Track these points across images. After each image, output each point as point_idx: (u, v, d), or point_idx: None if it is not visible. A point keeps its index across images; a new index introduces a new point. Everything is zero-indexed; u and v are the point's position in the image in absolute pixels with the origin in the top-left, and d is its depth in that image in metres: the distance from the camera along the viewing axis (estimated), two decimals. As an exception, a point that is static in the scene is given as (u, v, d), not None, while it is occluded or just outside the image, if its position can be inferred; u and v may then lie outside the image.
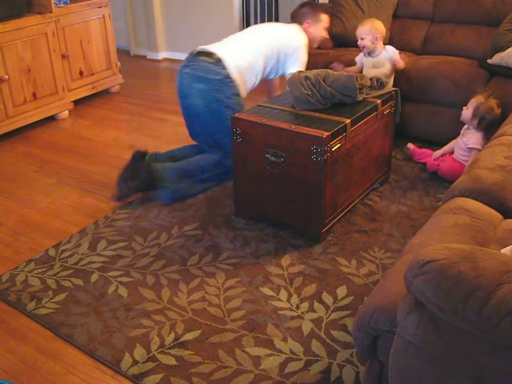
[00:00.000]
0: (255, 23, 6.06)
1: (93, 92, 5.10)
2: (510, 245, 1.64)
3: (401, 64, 3.67)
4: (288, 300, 2.48)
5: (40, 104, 4.52)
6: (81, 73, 4.91)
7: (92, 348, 2.23)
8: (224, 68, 3.25)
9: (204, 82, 3.25)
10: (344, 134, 2.77)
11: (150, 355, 2.19)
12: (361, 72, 3.78)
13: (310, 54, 4.29)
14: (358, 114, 2.87)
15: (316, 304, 2.44)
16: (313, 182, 2.73)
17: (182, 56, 6.36)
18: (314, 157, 2.66)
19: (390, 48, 3.71)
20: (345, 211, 3.05)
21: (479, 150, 3.15)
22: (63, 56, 4.67)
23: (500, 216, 2.01)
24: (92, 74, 5.04)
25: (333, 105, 2.98)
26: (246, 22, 6.08)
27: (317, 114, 2.87)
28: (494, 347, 1.23)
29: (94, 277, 2.67)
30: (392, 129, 3.34)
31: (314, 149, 2.64)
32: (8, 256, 2.86)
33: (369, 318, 1.59)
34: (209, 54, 3.30)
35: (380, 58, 3.68)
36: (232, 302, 2.47)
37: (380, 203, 3.24)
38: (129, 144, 4.12)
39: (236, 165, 3.00)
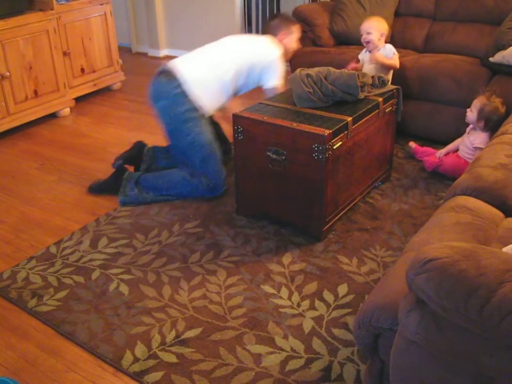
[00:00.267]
0: (257, 19, 6.05)
1: (94, 89, 5.10)
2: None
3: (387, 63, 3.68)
4: (289, 298, 2.48)
5: (41, 102, 4.52)
6: (82, 70, 4.90)
7: (93, 345, 2.23)
8: (179, 85, 3.18)
9: (161, 100, 3.25)
10: (346, 132, 2.77)
11: (151, 352, 2.19)
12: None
13: (311, 52, 4.31)
14: (359, 112, 2.87)
15: (317, 302, 2.44)
16: (315, 180, 2.73)
17: (184, 53, 6.38)
18: (315, 155, 2.66)
19: (388, 46, 3.71)
20: (346, 209, 3.05)
21: None
22: (65, 53, 4.67)
23: (501, 214, 2.01)
24: (93, 72, 5.04)
25: (334, 103, 2.97)
26: (248, 19, 6.08)
27: (318, 112, 2.87)
28: (495, 346, 1.23)
29: (95, 274, 2.67)
30: (394, 128, 3.33)
31: (315, 146, 2.64)
32: (9, 253, 2.86)
33: (371, 316, 1.59)
34: (168, 72, 3.24)
35: (378, 54, 3.68)
36: (233, 300, 2.47)
37: (381, 201, 3.24)
38: (130, 142, 4.11)
39: (237, 162, 3.00)
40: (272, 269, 2.68)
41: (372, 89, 3.12)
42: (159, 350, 2.20)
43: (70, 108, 4.81)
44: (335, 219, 2.95)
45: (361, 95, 3.01)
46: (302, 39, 4.45)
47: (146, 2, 6.31)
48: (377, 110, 3.03)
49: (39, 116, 4.54)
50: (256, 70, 3.34)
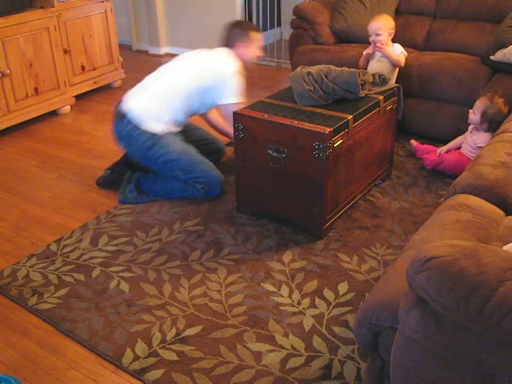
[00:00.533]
0: (257, 18, 6.06)
1: (95, 86, 5.10)
2: (512, 241, 1.64)
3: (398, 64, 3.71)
4: (290, 296, 2.48)
5: (41, 99, 4.52)
6: (83, 68, 4.90)
7: (93, 343, 2.23)
8: (129, 121, 3.18)
9: (121, 140, 3.28)
10: (346, 130, 2.77)
11: (151, 350, 2.19)
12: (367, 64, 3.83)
13: (312, 51, 4.31)
14: (360, 111, 2.87)
15: (317, 300, 2.44)
16: (315, 178, 2.73)
17: (184, 51, 6.37)
18: (316, 153, 2.66)
19: (397, 46, 3.73)
20: (347, 207, 3.05)
21: None
22: (65, 51, 4.66)
23: (502, 213, 2.01)
24: (94, 69, 5.03)
25: (335, 101, 2.97)
26: (248, 17, 6.08)
27: (319, 110, 2.87)
28: (496, 344, 1.23)
29: (96, 272, 2.67)
30: (394, 126, 3.33)
31: (316, 144, 2.64)
32: (9, 251, 2.86)
33: (371, 314, 1.59)
34: (118, 112, 3.26)
35: (387, 47, 3.70)
36: (233, 298, 2.47)
37: (381, 199, 3.24)
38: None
39: (237, 160, 3.00)
40: (272, 267, 2.68)
41: (372, 87, 3.12)
42: (159, 348, 2.20)
43: (71, 106, 4.81)
44: (335, 217, 2.95)
45: (362, 93, 3.01)
46: (302, 37, 4.48)
47: (146, 0, 6.31)
48: (378, 108, 3.03)
49: (40, 114, 4.54)
50: (211, 90, 3.24)
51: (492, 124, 3.28)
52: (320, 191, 2.75)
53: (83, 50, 4.87)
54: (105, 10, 5.02)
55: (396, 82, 3.62)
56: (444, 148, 3.55)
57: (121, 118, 3.22)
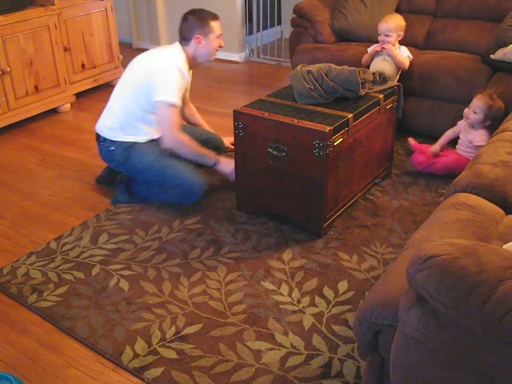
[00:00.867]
0: (258, 16, 6.05)
1: (95, 84, 5.10)
2: (512, 240, 1.64)
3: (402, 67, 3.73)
4: (290, 294, 2.48)
5: (42, 97, 4.52)
6: (83, 66, 4.90)
7: (93, 341, 2.24)
8: (105, 139, 3.18)
9: (105, 160, 3.30)
10: (347, 128, 2.76)
11: (151, 348, 2.19)
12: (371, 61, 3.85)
13: (312, 49, 4.30)
14: (360, 109, 2.87)
15: (317, 299, 2.44)
16: (315, 176, 2.73)
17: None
18: (316, 152, 2.66)
19: (403, 49, 3.75)
20: (346, 206, 3.05)
21: None
22: (65, 49, 4.66)
23: (501, 211, 2.01)
24: (94, 67, 5.03)
25: (335, 99, 2.97)
26: (248, 15, 6.08)
27: (319, 109, 2.87)
28: (496, 343, 1.23)
29: (95, 270, 2.67)
30: (394, 124, 3.33)
31: (316, 143, 2.64)
32: (9, 248, 2.86)
33: (371, 313, 1.58)
34: (96, 134, 3.26)
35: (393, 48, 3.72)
36: (233, 296, 2.47)
37: (381, 198, 3.24)
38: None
39: (237, 158, 3.00)
40: (272, 265, 2.68)
41: (372, 86, 3.12)
42: (159, 346, 2.20)
43: (71, 104, 4.81)
44: (335, 216, 2.95)
45: (362, 92, 3.01)
46: (302, 36, 4.48)
47: (147, -2, 6.31)
48: (378, 107, 3.03)
49: (40, 111, 4.54)
50: (145, 87, 3.07)
51: (494, 122, 3.26)
52: (320, 189, 2.75)
53: (83, 48, 4.87)
54: (106, 8, 5.02)
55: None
56: (436, 147, 3.53)
57: (98, 138, 3.25)
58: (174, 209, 3.15)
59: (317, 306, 2.40)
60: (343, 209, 3.02)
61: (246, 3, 5.98)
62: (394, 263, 1.78)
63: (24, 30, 4.25)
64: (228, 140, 3.68)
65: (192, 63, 3.26)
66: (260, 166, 2.91)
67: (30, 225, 3.07)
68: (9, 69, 4.18)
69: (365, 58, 3.86)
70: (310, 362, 2.11)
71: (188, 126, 3.56)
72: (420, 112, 3.87)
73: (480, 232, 1.81)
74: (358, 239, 2.87)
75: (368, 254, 2.75)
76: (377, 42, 3.86)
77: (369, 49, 3.86)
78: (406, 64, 3.71)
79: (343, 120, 2.73)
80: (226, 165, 3.21)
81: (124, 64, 5.41)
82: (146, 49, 6.46)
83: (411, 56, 3.75)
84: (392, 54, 3.68)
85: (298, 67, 3.06)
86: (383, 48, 3.71)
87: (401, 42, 3.81)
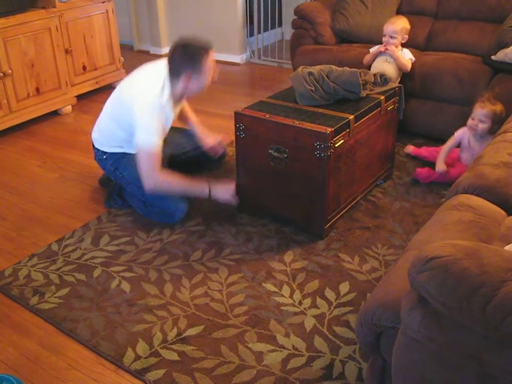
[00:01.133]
0: (258, 18, 6.05)
1: (96, 87, 5.10)
2: (514, 242, 1.64)
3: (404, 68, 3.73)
4: (291, 296, 2.48)
5: (43, 99, 4.52)
6: (84, 68, 4.90)
7: (94, 343, 2.23)
8: (97, 149, 3.17)
9: (101, 167, 3.28)
10: (348, 130, 2.76)
11: (152, 350, 2.19)
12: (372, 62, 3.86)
13: (313, 51, 4.30)
14: (361, 110, 2.87)
15: (318, 300, 2.44)
16: (317, 178, 2.73)
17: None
18: (317, 153, 2.66)
19: (406, 51, 3.77)
20: (348, 207, 3.05)
21: None
22: (67, 51, 4.66)
23: (503, 213, 2.00)
24: (95, 69, 5.04)
25: (336, 101, 2.97)
26: (249, 17, 6.08)
27: (320, 110, 2.87)
28: (497, 344, 1.23)
29: (97, 272, 2.67)
30: (395, 126, 3.33)
31: (317, 144, 2.64)
32: (11, 250, 2.86)
33: (372, 315, 1.58)
34: (92, 143, 3.26)
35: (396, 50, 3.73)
36: (234, 298, 2.47)
37: (383, 199, 3.24)
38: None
39: (239, 160, 3.00)
40: (273, 267, 2.68)
41: (373, 87, 3.12)
42: (160, 348, 2.20)
43: (72, 106, 4.82)
44: (336, 217, 2.95)
45: (363, 93, 3.01)
46: (303, 37, 4.48)
47: (148, 0, 6.31)
48: (379, 108, 3.03)
49: (41, 114, 4.54)
50: (125, 116, 2.93)
51: (500, 124, 3.18)
52: (321, 191, 2.75)
53: (84, 51, 4.88)
54: (107, 10, 5.02)
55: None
56: (443, 167, 3.33)
57: (93, 147, 3.24)
58: (176, 211, 3.15)
59: (319, 308, 2.40)
60: (344, 210, 3.02)
61: (246, 5, 5.99)
62: (395, 264, 1.78)
63: (26, 32, 4.26)
64: (210, 139, 3.41)
65: (180, 98, 3.05)
66: (261, 168, 2.91)
67: (32, 227, 3.07)
68: (10, 71, 4.18)
69: (366, 58, 3.86)
70: (311, 364, 2.11)
71: (175, 136, 3.34)
72: (421, 114, 3.87)
73: (482, 233, 1.80)
74: (359, 240, 2.87)
75: (370, 255, 2.74)
76: (378, 43, 3.87)
77: (372, 50, 3.86)
78: (408, 66, 3.72)
79: (344, 122, 2.73)
80: (224, 191, 3.01)
81: (125, 66, 5.43)
82: (147, 51, 6.55)
83: (413, 58, 3.76)
84: (395, 55, 3.68)
85: (299, 68, 3.07)
86: (386, 49, 3.72)
87: (402, 44, 3.81)
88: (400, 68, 3.72)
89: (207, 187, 2.99)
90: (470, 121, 3.27)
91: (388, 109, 3.14)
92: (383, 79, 3.17)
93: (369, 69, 3.77)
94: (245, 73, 5.92)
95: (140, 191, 2.99)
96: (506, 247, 1.60)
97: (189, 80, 2.88)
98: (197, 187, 3.01)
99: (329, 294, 2.48)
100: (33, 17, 4.30)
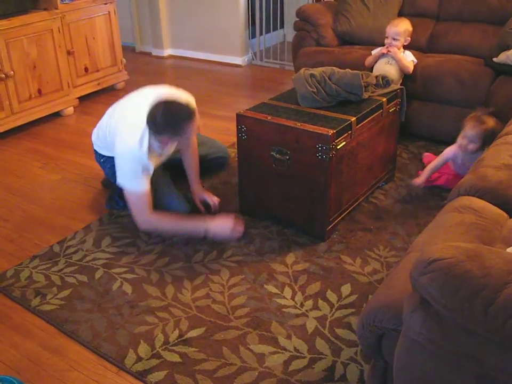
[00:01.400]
0: (260, 20, 6.05)
1: (98, 88, 5.11)
2: (516, 244, 1.64)
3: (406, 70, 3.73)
4: (293, 298, 2.47)
5: (45, 100, 4.52)
6: (86, 69, 4.91)
7: (96, 344, 2.23)
8: (96, 151, 3.17)
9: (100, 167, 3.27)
10: (350, 132, 2.76)
11: (154, 352, 2.19)
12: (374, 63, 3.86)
13: (315, 52, 4.30)
14: (363, 112, 2.87)
15: (320, 302, 2.44)
16: (318, 179, 2.73)
17: (187, 53, 6.42)
18: (319, 155, 2.66)
19: (408, 53, 3.77)
20: (350, 209, 3.05)
21: None
22: (69, 53, 4.67)
23: (505, 215, 2.00)
24: (97, 71, 5.04)
25: (338, 103, 2.97)
26: (251, 18, 6.08)
27: (322, 112, 2.87)
28: (499, 346, 1.22)
29: (99, 274, 2.67)
30: (397, 128, 3.33)
31: (319, 146, 2.64)
32: (12, 252, 2.87)
33: (374, 316, 1.58)
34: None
35: (399, 52, 3.74)
36: (236, 300, 2.47)
37: (384, 201, 3.23)
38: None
39: (240, 162, 3.00)
40: (275, 268, 2.68)
41: (375, 89, 3.12)
42: (162, 350, 2.20)
43: (74, 107, 4.82)
44: (338, 219, 2.95)
45: (365, 95, 3.01)
46: (305, 39, 4.47)
47: (150, 1, 6.31)
48: (381, 110, 3.03)
49: (43, 115, 4.54)
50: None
51: (493, 139, 3.02)
52: (323, 193, 2.75)
53: (86, 52, 4.88)
54: (109, 12, 5.02)
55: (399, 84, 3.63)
56: (421, 181, 3.26)
57: (93, 148, 3.22)
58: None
59: (320, 310, 2.40)
60: (346, 212, 3.02)
61: (248, 6, 5.99)
62: (397, 266, 1.78)
63: (28, 34, 4.27)
64: (204, 196, 3.20)
65: (160, 153, 2.91)
66: (262, 170, 2.91)
67: (34, 228, 3.07)
68: (12, 72, 4.19)
69: (368, 60, 3.86)
70: (313, 366, 2.11)
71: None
72: (423, 115, 3.87)
73: (484, 235, 1.80)
74: (361, 242, 2.86)
75: (372, 257, 2.74)
76: (380, 45, 3.87)
77: (374, 52, 3.86)
78: (410, 68, 3.72)
79: (346, 124, 2.72)
80: (222, 228, 2.83)
81: (127, 68, 5.44)
82: (149, 53, 6.56)
83: (415, 60, 3.76)
84: (397, 57, 3.69)
85: (301, 70, 3.07)
86: (389, 51, 3.72)
87: (404, 46, 3.81)
88: (402, 70, 3.73)
89: (203, 226, 2.81)
90: (460, 140, 3.18)
91: (390, 111, 3.13)
92: (385, 81, 3.17)
93: (371, 71, 3.77)
94: (247, 75, 5.92)
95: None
96: (508, 249, 1.60)
97: (168, 141, 2.75)
98: (193, 226, 2.84)
99: (331, 296, 2.48)
100: (36, 18, 4.30)
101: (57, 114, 4.68)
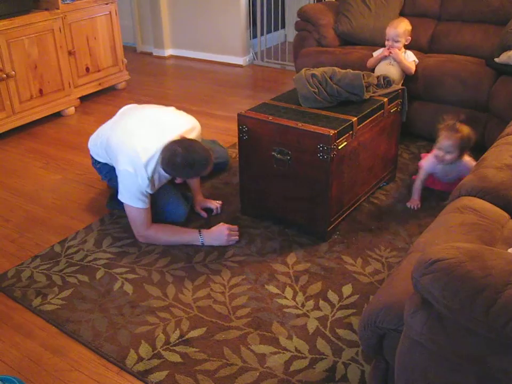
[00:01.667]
0: (261, 20, 6.05)
1: (99, 88, 5.11)
2: (517, 244, 1.64)
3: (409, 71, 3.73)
4: (294, 298, 2.47)
5: (46, 101, 4.53)
6: (87, 69, 4.91)
7: (97, 344, 2.23)
8: (92, 157, 3.18)
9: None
10: (351, 132, 2.76)
11: (155, 352, 2.19)
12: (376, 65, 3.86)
13: (316, 53, 4.30)
14: (364, 113, 2.87)
15: (321, 303, 2.44)
16: (319, 180, 2.73)
17: (188, 53, 6.42)
18: (320, 155, 2.66)
19: (409, 53, 3.77)
20: (351, 209, 3.05)
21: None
22: (70, 53, 4.67)
23: (506, 215, 2.00)
24: (98, 71, 5.04)
25: (339, 103, 2.97)
26: (253, 19, 6.08)
27: (323, 112, 2.87)
28: (501, 347, 1.22)
29: (100, 274, 2.67)
30: (399, 128, 3.33)
31: (320, 147, 2.64)
32: (13, 252, 2.87)
33: (376, 317, 1.58)
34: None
35: (400, 53, 3.73)
36: (237, 300, 2.47)
37: (385, 201, 3.23)
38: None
39: (241, 162, 3.00)
40: (276, 269, 2.67)
41: (377, 89, 3.11)
42: (163, 350, 2.20)
43: (75, 107, 4.82)
44: (339, 219, 2.95)
45: (366, 95, 3.00)
46: (306, 39, 4.47)
47: (151, 1, 6.32)
48: (382, 110, 3.03)
49: (44, 115, 4.55)
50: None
51: (469, 147, 3.03)
52: (324, 193, 2.74)
53: (87, 52, 4.88)
54: (110, 12, 5.03)
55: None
56: (417, 202, 3.18)
57: (89, 153, 3.22)
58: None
59: (321, 310, 2.39)
60: (347, 212, 3.02)
61: (250, 6, 5.99)
62: (399, 266, 1.78)
63: (29, 34, 4.27)
64: (206, 203, 3.21)
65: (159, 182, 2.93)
66: (264, 170, 2.91)
67: (35, 228, 3.07)
68: (13, 72, 4.19)
69: (370, 62, 3.85)
70: (314, 366, 2.10)
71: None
72: (424, 116, 3.86)
73: (485, 236, 1.80)
74: (362, 242, 2.86)
75: (373, 257, 2.74)
76: (381, 45, 3.87)
77: (375, 53, 3.86)
78: (412, 69, 3.72)
79: (347, 124, 2.72)
80: (217, 236, 2.87)
81: (128, 68, 5.44)
82: (150, 53, 6.56)
83: (417, 60, 3.76)
84: (399, 59, 3.68)
85: (303, 70, 3.06)
86: (390, 53, 3.72)
87: (405, 46, 3.81)
88: (404, 71, 3.72)
89: (198, 239, 2.86)
90: (436, 152, 3.06)
91: (391, 111, 3.13)
92: (386, 81, 3.17)
93: (373, 71, 3.76)
94: (248, 75, 5.93)
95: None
96: (510, 250, 1.60)
97: (180, 180, 2.86)
98: (189, 239, 2.87)
99: (332, 296, 2.48)
100: (37, 18, 4.31)
101: (58, 115, 4.69)
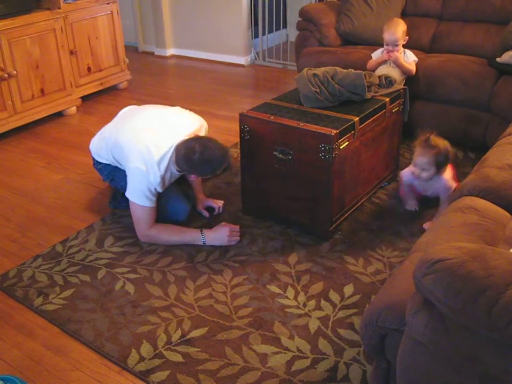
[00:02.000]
0: (263, 20, 6.05)
1: (101, 88, 5.11)
2: (520, 244, 1.64)
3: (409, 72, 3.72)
4: (295, 298, 2.47)
5: (48, 100, 4.53)
6: (89, 69, 4.91)
7: (98, 344, 2.23)
8: (93, 157, 3.16)
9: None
10: (353, 132, 2.76)
11: (156, 352, 2.19)
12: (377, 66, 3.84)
13: (318, 52, 4.30)
14: (366, 112, 2.86)
15: (323, 302, 2.44)
16: (321, 180, 2.72)
17: (190, 53, 6.42)
18: (322, 155, 2.65)
19: (409, 53, 3.75)
20: (352, 209, 3.04)
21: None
22: (71, 52, 4.67)
23: (508, 215, 2.00)
24: (100, 71, 5.04)
25: (341, 103, 2.97)
26: (254, 18, 6.08)
27: (325, 112, 2.87)
28: (503, 347, 1.22)
29: (101, 273, 2.67)
30: (400, 128, 3.33)
31: (322, 146, 2.64)
32: (15, 251, 2.87)
33: (377, 317, 1.58)
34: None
35: (399, 55, 3.72)
36: (239, 300, 2.47)
37: (387, 201, 3.23)
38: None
39: (243, 162, 3.00)
40: (278, 268, 2.67)
41: (378, 89, 3.11)
42: (164, 349, 2.20)
43: (77, 107, 4.82)
44: (341, 219, 2.94)
45: (368, 95, 3.00)
46: (308, 39, 4.47)
47: (153, 1, 6.32)
48: (384, 110, 3.02)
49: (46, 115, 4.55)
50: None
51: (447, 161, 2.86)
52: (326, 193, 2.74)
53: (89, 52, 4.89)
54: (112, 11, 5.03)
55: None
56: (413, 205, 3.12)
57: (91, 155, 3.21)
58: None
59: (323, 310, 2.39)
60: (348, 212, 3.01)
61: (251, 6, 5.99)
62: (400, 266, 1.78)
63: (30, 34, 4.27)
64: (208, 202, 3.23)
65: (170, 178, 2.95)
66: (265, 170, 2.91)
67: (36, 228, 3.07)
68: (15, 72, 4.19)
69: (370, 64, 3.84)
70: (316, 366, 2.10)
71: None
72: (425, 116, 3.86)
73: (487, 235, 1.80)
74: (363, 242, 2.86)
75: (374, 257, 2.74)
76: (383, 45, 3.86)
77: (374, 55, 3.84)
78: (413, 70, 3.71)
79: (349, 124, 2.72)
80: (218, 236, 2.87)
81: (130, 68, 5.44)
82: (152, 53, 6.56)
83: (416, 59, 3.75)
84: (399, 63, 3.67)
85: (304, 70, 3.06)
86: (390, 56, 3.70)
87: (407, 45, 3.80)
88: (405, 73, 3.72)
89: (200, 239, 2.86)
90: (412, 169, 2.91)
91: (393, 111, 3.13)
92: (388, 81, 3.16)
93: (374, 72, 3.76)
94: (250, 74, 5.92)
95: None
96: (512, 250, 1.59)
97: (189, 176, 2.94)
98: (190, 237, 2.88)
99: (334, 296, 2.48)
100: (38, 18, 4.31)
101: (59, 114, 4.69)
